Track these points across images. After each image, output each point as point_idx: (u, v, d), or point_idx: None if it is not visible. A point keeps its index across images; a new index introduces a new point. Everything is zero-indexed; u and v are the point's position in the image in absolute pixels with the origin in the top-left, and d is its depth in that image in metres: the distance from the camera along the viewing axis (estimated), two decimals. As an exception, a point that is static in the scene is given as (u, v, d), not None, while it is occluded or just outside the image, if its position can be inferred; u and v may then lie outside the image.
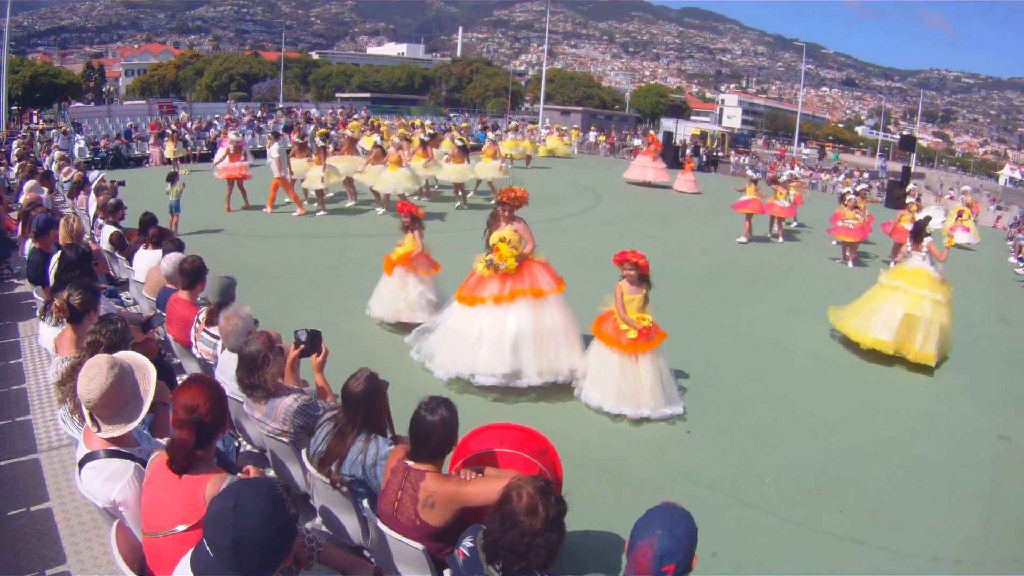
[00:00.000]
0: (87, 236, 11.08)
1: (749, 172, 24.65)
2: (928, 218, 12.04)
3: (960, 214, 26.10)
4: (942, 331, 11.08)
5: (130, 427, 4.15)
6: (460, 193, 23.87)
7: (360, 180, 21.92)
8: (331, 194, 22.36)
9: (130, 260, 10.40)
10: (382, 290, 11.00)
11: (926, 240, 11.60)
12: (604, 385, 8.49)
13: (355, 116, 47.40)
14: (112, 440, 4.13)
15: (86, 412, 4.14)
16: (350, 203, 22.47)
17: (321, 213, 21.09)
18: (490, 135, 30.33)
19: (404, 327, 10.55)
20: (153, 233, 9.98)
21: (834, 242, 19.64)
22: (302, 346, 5.96)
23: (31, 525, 5.50)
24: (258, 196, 21.23)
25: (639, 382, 8.35)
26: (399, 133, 29.28)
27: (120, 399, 4.11)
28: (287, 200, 20.94)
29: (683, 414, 8.50)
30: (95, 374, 4.05)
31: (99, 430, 4.11)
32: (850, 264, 18.45)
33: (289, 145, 21.94)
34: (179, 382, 7.22)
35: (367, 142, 26.74)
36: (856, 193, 19.97)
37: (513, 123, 48.00)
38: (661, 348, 8.50)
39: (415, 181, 21.57)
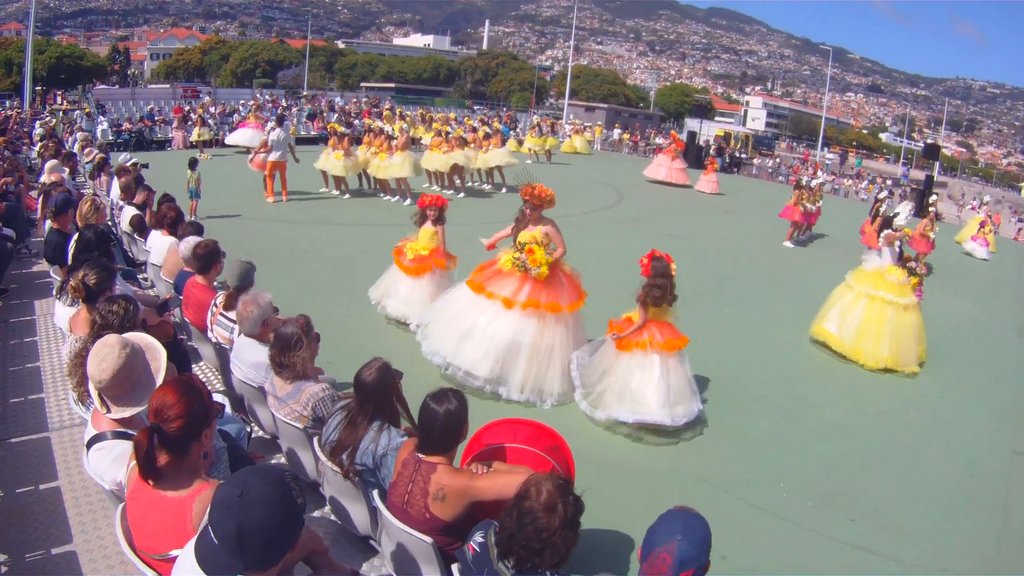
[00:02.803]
0: (107, 218, 11.07)
1: (804, 179, 24.32)
2: (896, 214, 12.15)
3: (982, 225, 25.88)
4: (902, 333, 11.10)
5: (140, 408, 4.11)
6: (460, 182, 24.05)
7: (371, 171, 22.04)
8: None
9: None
10: (398, 289, 10.65)
11: (883, 233, 11.69)
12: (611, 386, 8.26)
13: (386, 106, 47.32)
14: (120, 422, 4.11)
15: (95, 392, 4.09)
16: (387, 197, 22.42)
17: (346, 196, 21.60)
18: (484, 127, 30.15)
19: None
20: (169, 216, 9.96)
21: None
22: None
23: (39, 503, 5.50)
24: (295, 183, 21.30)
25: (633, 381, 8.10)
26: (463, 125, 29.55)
27: (131, 380, 4.09)
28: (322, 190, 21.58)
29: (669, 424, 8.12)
30: (106, 354, 4.01)
31: (108, 411, 4.08)
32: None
33: (291, 130, 22.04)
34: (194, 367, 7.25)
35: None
36: (877, 200, 20.10)
37: (536, 118, 47.83)
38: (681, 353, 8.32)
39: (414, 167, 21.62)
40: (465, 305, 8.81)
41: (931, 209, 20.17)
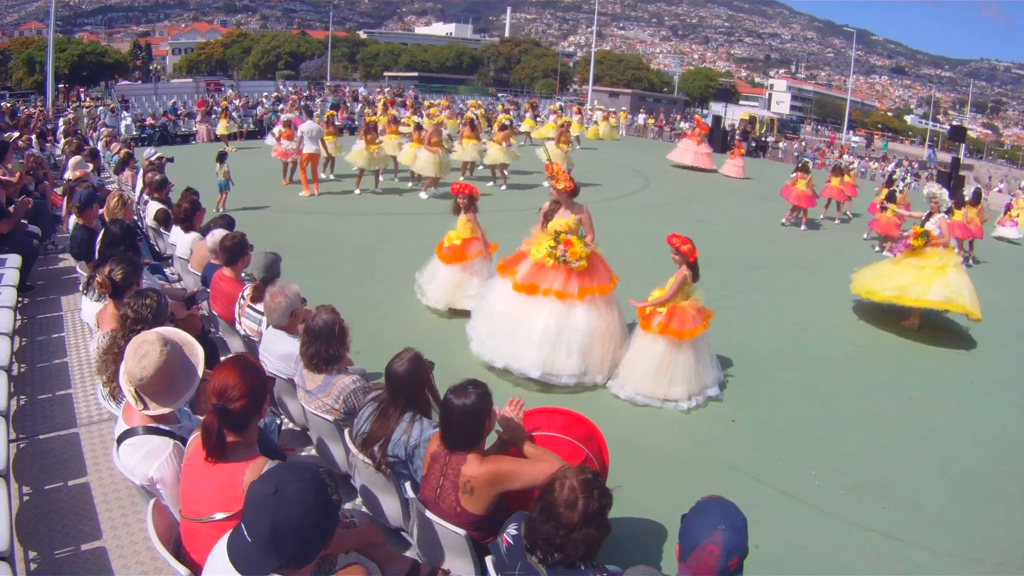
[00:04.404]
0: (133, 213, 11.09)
1: (808, 160, 24.52)
2: (933, 195, 12.61)
3: (1009, 207, 25.63)
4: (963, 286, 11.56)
5: (180, 403, 4.15)
6: (500, 173, 23.68)
7: (401, 161, 22.08)
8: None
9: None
10: (439, 279, 10.72)
11: (936, 217, 12.03)
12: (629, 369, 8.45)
13: (379, 94, 47.31)
14: (154, 417, 4.07)
15: (130, 389, 4.05)
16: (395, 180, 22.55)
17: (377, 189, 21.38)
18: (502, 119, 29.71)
19: (453, 310, 10.51)
20: (185, 208, 9.97)
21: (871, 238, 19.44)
22: None
23: (68, 500, 5.48)
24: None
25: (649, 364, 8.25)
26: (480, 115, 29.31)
27: (171, 377, 4.07)
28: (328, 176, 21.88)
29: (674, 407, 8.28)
30: (147, 351, 3.99)
31: (145, 407, 4.04)
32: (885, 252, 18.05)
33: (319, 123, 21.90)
34: (222, 359, 7.21)
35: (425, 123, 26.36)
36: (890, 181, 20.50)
37: (556, 104, 47.68)
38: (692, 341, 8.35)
39: (443, 166, 21.21)
40: (520, 309, 8.68)
41: (984, 199, 20.21)
